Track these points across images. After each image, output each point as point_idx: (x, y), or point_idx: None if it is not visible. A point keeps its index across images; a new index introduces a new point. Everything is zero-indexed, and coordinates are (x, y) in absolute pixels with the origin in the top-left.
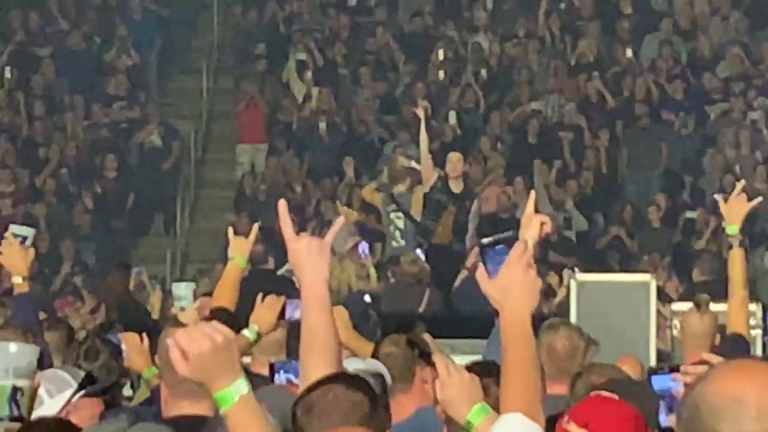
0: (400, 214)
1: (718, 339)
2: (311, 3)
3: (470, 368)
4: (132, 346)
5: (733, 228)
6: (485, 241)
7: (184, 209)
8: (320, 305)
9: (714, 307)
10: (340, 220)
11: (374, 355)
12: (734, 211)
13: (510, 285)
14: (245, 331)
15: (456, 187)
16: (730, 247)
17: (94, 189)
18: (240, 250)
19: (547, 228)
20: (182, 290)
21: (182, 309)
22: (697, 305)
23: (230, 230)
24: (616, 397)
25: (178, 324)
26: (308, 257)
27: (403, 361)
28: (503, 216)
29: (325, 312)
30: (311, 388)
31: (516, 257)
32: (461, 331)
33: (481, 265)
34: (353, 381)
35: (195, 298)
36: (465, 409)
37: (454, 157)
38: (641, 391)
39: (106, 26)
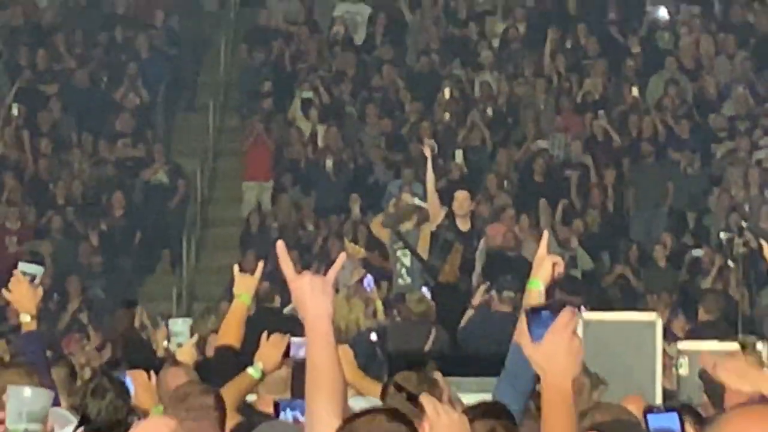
0: (407, 251)
1: None
2: (317, 41)
3: (477, 408)
4: (140, 383)
5: None
6: (532, 305)
7: (190, 247)
8: (324, 342)
9: (721, 346)
10: (341, 257)
11: (383, 392)
12: None
13: (555, 351)
14: (250, 370)
15: (463, 225)
16: None
17: (100, 226)
18: (245, 287)
19: (559, 269)
20: (179, 326)
21: (179, 345)
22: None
23: (236, 268)
24: None
25: (176, 363)
26: (311, 295)
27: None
28: (509, 254)
29: (329, 349)
30: (355, 416)
31: (563, 324)
32: (468, 370)
33: (525, 328)
34: (396, 414)
35: (192, 333)
36: None
37: (461, 196)
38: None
39: (113, 64)
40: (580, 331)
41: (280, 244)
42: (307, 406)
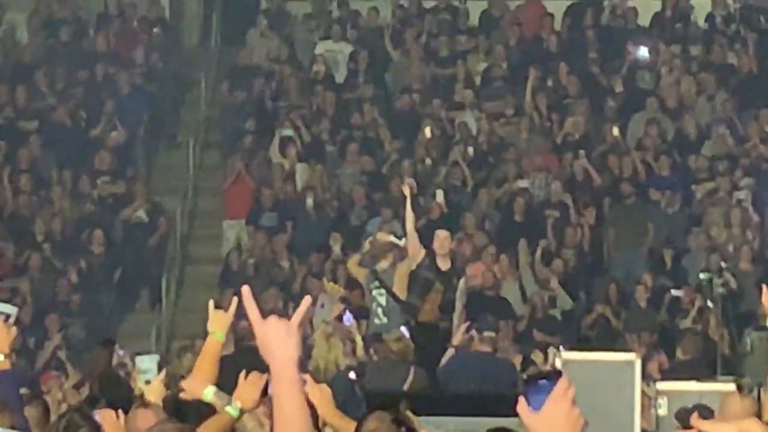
0: (383, 291)
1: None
2: (298, 79)
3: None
4: (109, 423)
5: None
6: (529, 373)
7: (170, 285)
8: (290, 387)
9: (699, 387)
10: (306, 301)
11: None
12: None
13: (554, 420)
14: (228, 408)
15: (443, 264)
16: None
17: (79, 264)
18: (219, 324)
19: None
20: (146, 363)
21: (147, 382)
22: (739, 388)
23: (210, 304)
24: None
25: (144, 404)
26: (276, 339)
27: None
28: (489, 293)
29: (295, 393)
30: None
31: (561, 392)
32: (447, 410)
33: (522, 398)
34: None
35: (159, 370)
36: None
37: (442, 235)
38: None
39: (93, 101)
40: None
41: (246, 289)
42: None
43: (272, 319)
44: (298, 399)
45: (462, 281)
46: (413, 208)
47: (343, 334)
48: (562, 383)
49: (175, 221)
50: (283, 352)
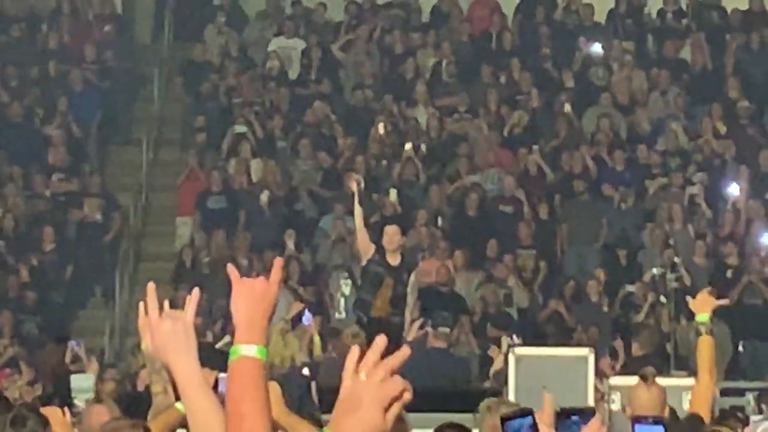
0: (350, 281)
1: (667, 411)
2: (252, 76)
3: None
4: (56, 420)
5: (703, 316)
6: (563, 407)
7: (123, 282)
8: (199, 388)
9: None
10: (194, 296)
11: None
12: (701, 302)
13: None
14: (178, 404)
15: (393, 259)
16: (699, 333)
17: (30, 261)
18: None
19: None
20: (82, 383)
21: (87, 401)
22: (644, 378)
23: (140, 306)
24: None
25: (99, 400)
26: (173, 339)
27: None
28: (442, 289)
29: (206, 393)
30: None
31: None
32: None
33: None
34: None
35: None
36: None
37: (390, 230)
38: None
39: (46, 98)
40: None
41: (150, 285)
42: None
43: (169, 318)
44: (210, 399)
45: (413, 276)
46: (363, 204)
47: (301, 332)
48: (594, 423)
49: (128, 218)
50: (181, 352)
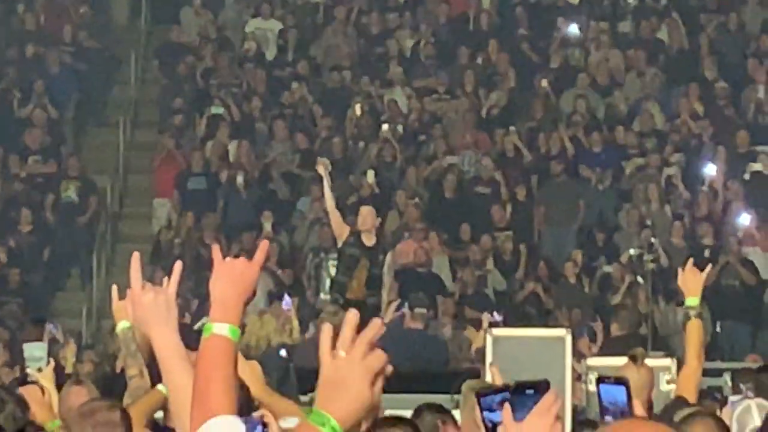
0: (335, 262)
1: (654, 392)
2: (229, 57)
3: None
4: (34, 399)
5: (692, 300)
6: (518, 381)
7: (100, 264)
8: (180, 361)
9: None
10: (177, 268)
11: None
12: (691, 283)
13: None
14: (160, 386)
15: (368, 240)
16: (689, 318)
17: (8, 243)
18: (124, 313)
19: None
20: (36, 351)
21: (39, 370)
22: (633, 359)
23: (114, 291)
24: None
25: (79, 381)
26: (156, 312)
27: None
28: (419, 270)
29: (188, 368)
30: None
31: (546, 407)
32: None
33: (507, 405)
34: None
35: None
36: None
37: (364, 210)
38: None
39: (23, 80)
40: (489, 345)
41: (135, 256)
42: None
43: (151, 290)
44: (188, 367)
45: (389, 256)
46: (341, 186)
47: (279, 314)
48: (548, 397)
49: (105, 199)
50: (163, 325)
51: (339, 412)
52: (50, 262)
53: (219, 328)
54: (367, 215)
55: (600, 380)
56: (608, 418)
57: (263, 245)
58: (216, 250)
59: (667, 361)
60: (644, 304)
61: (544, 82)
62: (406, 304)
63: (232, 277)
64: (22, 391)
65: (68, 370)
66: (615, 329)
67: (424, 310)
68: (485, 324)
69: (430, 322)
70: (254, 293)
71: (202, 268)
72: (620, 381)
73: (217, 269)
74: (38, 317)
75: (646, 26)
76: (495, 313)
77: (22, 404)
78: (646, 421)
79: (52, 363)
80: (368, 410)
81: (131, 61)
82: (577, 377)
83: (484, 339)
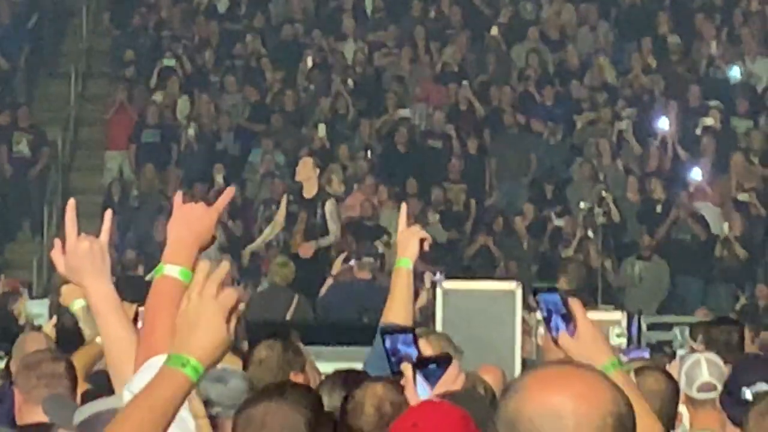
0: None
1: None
2: (181, 10)
3: (338, 376)
4: None
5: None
6: (421, 357)
7: (51, 215)
8: (114, 312)
9: None
10: (71, 206)
11: (246, 361)
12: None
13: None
14: (98, 338)
15: (308, 192)
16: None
17: None
18: (76, 295)
19: (426, 244)
20: (36, 308)
21: (39, 327)
22: None
23: (57, 245)
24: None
25: (37, 328)
26: (90, 261)
27: (277, 366)
28: (367, 223)
29: (121, 319)
30: (251, 401)
31: (450, 381)
32: (327, 339)
33: (410, 381)
34: (297, 397)
35: (51, 312)
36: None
37: (301, 162)
38: (476, 402)
39: None
40: (439, 298)
41: (71, 203)
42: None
43: (86, 239)
44: (123, 319)
45: (329, 204)
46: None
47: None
48: (452, 371)
49: (56, 151)
50: (98, 275)
51: (198, 351)
52: (0, 213)
53: (170, 269)
54: (303, 166)
55: (535, 291)
56: None
57: (228, 192)
58: (177, 195)
59: (617, 315)
60: (595, 259)
61: (494, 30)
62: (354, 257)
63: (189, 220)
64: None
65: (21, 321)
66: (563, 283)
67: (371, 260)
68: (427, 283)
69: (377, 273)
70: (213, 239)
71: (154, 220)
72: (552, 289)
73: (175, 212)
74: None
75: None
76: (437, 273)
77: None
78: (578, 367)
79: (54, 319)
80: (224, 347)
81: (83, 12)
82: (528, 330)
83: (427, 297)
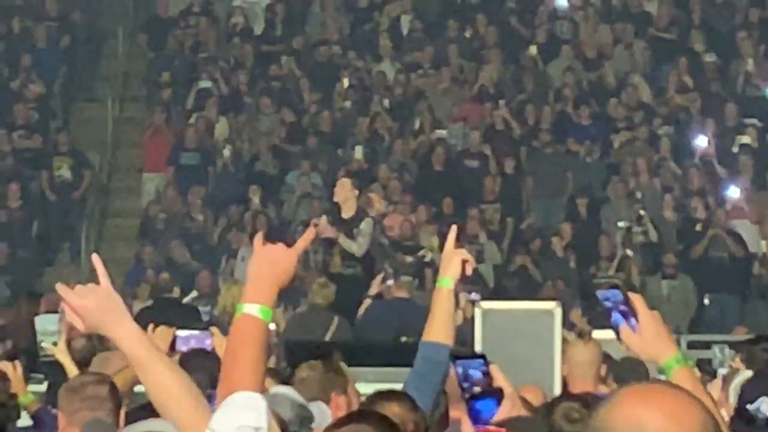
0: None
1: (604, 369)
2: (216, 31)
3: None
4: (11, 373)
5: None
6: (473, 393)
7: (89, 238)
8: (148, 352)
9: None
10: (96, 259)
11: (288, 380)
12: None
13: (658, 333)
14: None
15: (346, 212)
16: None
17: None
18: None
19: (470, 267)
20: (49, 324)
21: (54, 344)
22: (580, 335)
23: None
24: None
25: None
26: (104, 313)
27: (319, 386)
28: (407, 243)
29: (156, 356)
30: (338, 424)
31: (643, 308)
32: (365, 360)
33: (624, 325)
34: (383, 422)
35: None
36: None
37: (339, 184)
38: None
39: (10, 55)
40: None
41: (95, 257)
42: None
43: (89, 293)
44: (162, 361)
45: (365, 222)
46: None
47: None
48: (638, 301)
49: (94, 174)
50: (117, 321)
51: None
52: (40, 237)
53: (250, 308)
54: (340, 188)
55: (455, 357)
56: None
57: (308, 235)
58: (258, 236)
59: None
60: (636, 277)
61: (533, 49)
62: (392, 277)
63: (269, 260)
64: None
65: (60, 344)
66: None
67: (409, 278)
68: (462, 303)
69: (416, 292)
70: (292, 279)
71: (191, 242)
72: (614, 285)
73: (256, 252)
74: (32, 292)
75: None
76: (473, 293)
77: (5, 378)
78: (672, 386)
79: (64, 336)
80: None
81: (119, 35)
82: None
83: (464, 317)
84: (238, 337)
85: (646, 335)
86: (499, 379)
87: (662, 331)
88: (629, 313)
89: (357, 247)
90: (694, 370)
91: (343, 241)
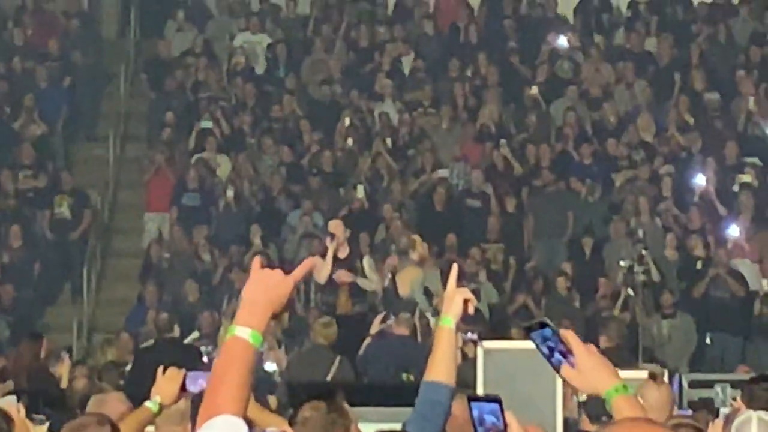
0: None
1: (676, 409)
2: (218, 71)
3: None
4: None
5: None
6: (475, 395)
7: (91, 278)
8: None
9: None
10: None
11: (291, 421)
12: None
13: (595, 365)
14: (148, 403)
15: (342, 252)
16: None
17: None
18: (164, 392)
19: (472, 306)
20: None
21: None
22: (653, 377)
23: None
24: None
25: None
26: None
27: (322, 427)
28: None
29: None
30: None
31: (576, 342)
32: (367, 399)
33: (565, 363)
34: None
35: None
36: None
37: (331, 224)
38: None
39: (12, 95)
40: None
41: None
42: None
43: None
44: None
45: (366, 259)
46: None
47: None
48: (569, 336)
49: (96, 214)
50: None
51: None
52: (41, 277)
53: (241, 331)
54: (334, 228)
55: (471, 399)
56: None
57: (307, 263)
58: (256, 260)
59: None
60: (639, 317)
61: (534, 89)
62: (392, 316)
63: (264, 285)
64: (3, 407)
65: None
66: (604, 341)
67: (408, 315)
68: (460, 342)
69: (415, 331)
70: (287, 307)
71: (190, 282)
72: (492, 399)
73: (252, 276)
74: (35, 332)
75: (635, 38)
76: (469, 333)
77: (8, 419)
78: (647, 422)
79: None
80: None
81: (120, 75)
82: (570, 390)
83: (463, 356)
84: (226, 358)
85: (584, 369)
86: (513, 428)
87: (599, 363)
88: (566, 351)
89: (372, 284)
90: (636, 398)
91: (362, 282)
